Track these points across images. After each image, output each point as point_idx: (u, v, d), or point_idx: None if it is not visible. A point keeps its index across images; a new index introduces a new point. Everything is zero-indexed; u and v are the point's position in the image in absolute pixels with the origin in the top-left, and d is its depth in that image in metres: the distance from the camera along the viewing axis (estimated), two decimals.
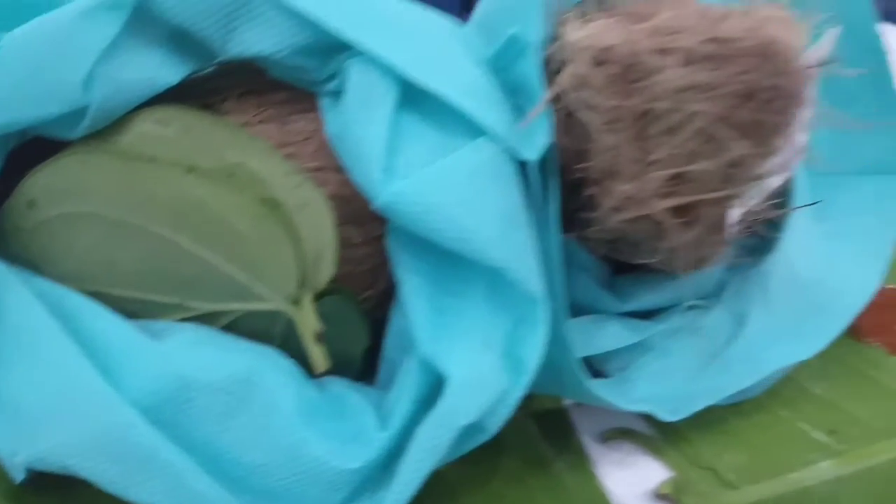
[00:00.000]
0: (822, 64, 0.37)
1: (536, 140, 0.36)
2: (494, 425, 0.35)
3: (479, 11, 0.44)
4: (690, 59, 0.29)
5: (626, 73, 0.31)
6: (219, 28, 0.34)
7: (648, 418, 0.46)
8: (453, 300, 0.36)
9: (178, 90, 0.37)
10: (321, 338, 0.35)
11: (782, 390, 0.48)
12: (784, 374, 0.48)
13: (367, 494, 0.35)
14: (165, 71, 0.35)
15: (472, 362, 0.33)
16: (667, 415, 0.41)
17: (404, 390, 0.35)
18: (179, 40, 0.35)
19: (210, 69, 0.39)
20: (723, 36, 0.28)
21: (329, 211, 0.35)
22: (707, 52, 0.28)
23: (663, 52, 0.29)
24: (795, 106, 0.28)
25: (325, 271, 0.35)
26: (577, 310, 0.44)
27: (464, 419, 0.33)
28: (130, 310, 0.37)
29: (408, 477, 0.33)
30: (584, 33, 0.33)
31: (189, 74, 0.36)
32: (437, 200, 0.33)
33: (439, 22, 0.37)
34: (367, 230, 0.37)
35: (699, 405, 0.41)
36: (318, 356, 0.35)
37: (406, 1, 0.37)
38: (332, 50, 0.35)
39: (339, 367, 0.39)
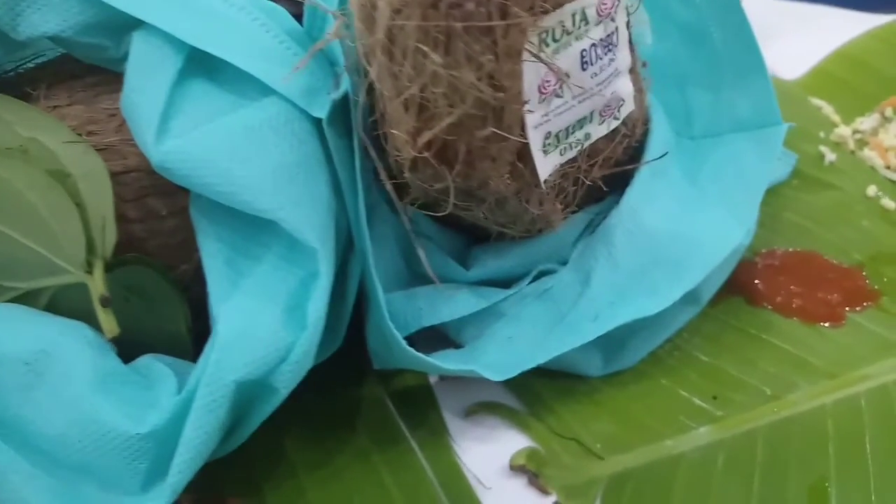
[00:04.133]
0: None
1: (324, 98, 0.36)
2: (283, 384, 0.34)
3: None
4: None
5: (370, 12, 0.31)
6: (6, 11, 0.35)
7: (518, 392, 0.44)
8: (250, 262, 0.36)
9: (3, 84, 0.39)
10: (107, 302, 0.35)
11: (667, 359, 0.45)
12: (672, 344, 0.46)
13: (165, 460, 0.34)
14: None
15: (243, 319, 0.33)
16: (494, 374, 0.39)
17: (202, 354, 0.35)
18: None
19: (33, 62, 0.40)
20: None
21: (108, 177, 0.35)
22: None
23: None
24: (489, 10, 0.27)
25: (110, 237, 0.35)
26: (428, 279, 0.43)
27: (233, 374, 0.32)
28: None
29: (189, 436, 0.33)
30: None
31: None
32: (208, 156, 0.34)
33: None
34: (173, 201, 0.38)
35: (532, 363, 0.39)
36: (107, 321, 0.35)
37: None
38: (124, 27, 0.36)
39: (167, 345, 0.39)
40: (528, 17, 0.29)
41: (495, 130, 0.30)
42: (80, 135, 0.37)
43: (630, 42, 0.42)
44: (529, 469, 0.40)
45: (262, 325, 0.33)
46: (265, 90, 0.36)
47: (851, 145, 0.56)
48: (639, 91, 0.43)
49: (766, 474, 0.39)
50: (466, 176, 0.34)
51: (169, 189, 0.37)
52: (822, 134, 0.57)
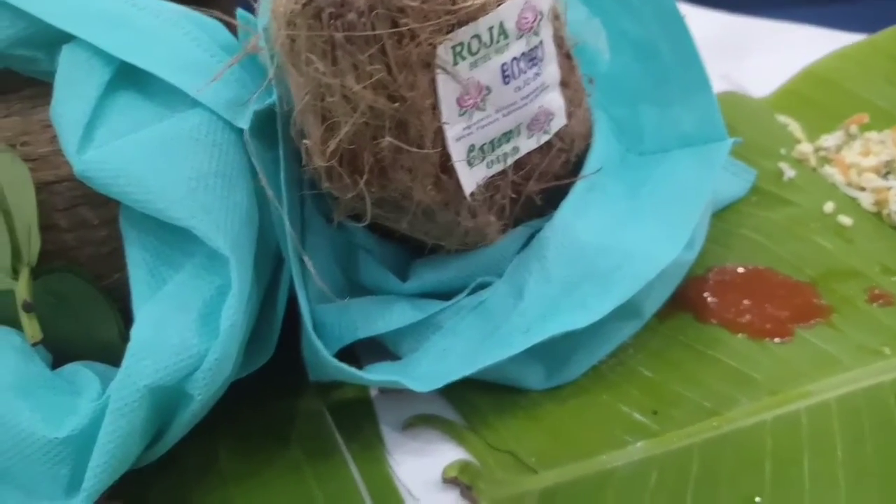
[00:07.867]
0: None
1: (249, 110, 0.36)
2: (198, 391, 0.34)
3: None
4: None
5: (279, 23, 0.31)
6: None
7: (458, 405, 0.44)
8: (172, 270, 0.36)
9: None
10: (30, 308, 0.35)
11: (610, 374, 0.45)
12: (616, 359, 0.45)
13: (86, 465, 0.34)
14: None
15: (155, 325, 0.33)
16: (420, 386, 0.39)
17: None
18: None
19: None
20: None
21: (32, 186, 0.36)
22: None
23: None
24: (372, 21, 0.27)
25: (35, 245, 0.35)
26: (367, 292, 0.43)
27: (143, 380, 0.33)
28: None
29: (102, 440, 0.33)
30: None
31: None
32: (126, 165, 0.34)
33: (170, 13, 0.38)
34: (104, 211, 0.38)
35: (459, 375, 0.39)
36: (29, 326, 0.35)
37: None
38: (56, 40, 0.37)
39: (101, 352, 0.39)
40: (424, 28, 0.29)
41: (393, 140, 0.30)
42: (13, 146, 0.38)
43: (568, 57, 0.42)
44: (462, 482, 0.40)
45: (174, 331, 0.33)
46: (192, 102, 0.36)
47: (813, 162, 0.55)
48: (577, 106, 0.43)
49: (698, 490, 0.39)
50: (382, 186, 0.34)
51: (100, 199, 0.38)
52: (783, 151, 0.56)
